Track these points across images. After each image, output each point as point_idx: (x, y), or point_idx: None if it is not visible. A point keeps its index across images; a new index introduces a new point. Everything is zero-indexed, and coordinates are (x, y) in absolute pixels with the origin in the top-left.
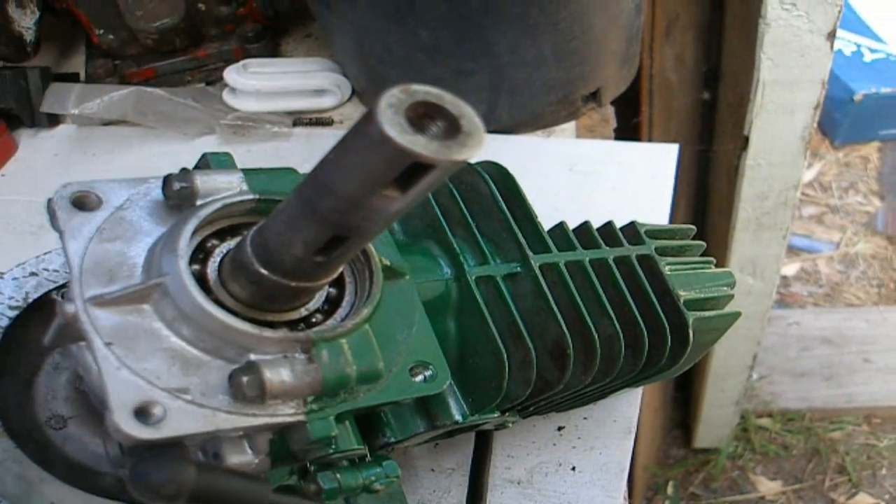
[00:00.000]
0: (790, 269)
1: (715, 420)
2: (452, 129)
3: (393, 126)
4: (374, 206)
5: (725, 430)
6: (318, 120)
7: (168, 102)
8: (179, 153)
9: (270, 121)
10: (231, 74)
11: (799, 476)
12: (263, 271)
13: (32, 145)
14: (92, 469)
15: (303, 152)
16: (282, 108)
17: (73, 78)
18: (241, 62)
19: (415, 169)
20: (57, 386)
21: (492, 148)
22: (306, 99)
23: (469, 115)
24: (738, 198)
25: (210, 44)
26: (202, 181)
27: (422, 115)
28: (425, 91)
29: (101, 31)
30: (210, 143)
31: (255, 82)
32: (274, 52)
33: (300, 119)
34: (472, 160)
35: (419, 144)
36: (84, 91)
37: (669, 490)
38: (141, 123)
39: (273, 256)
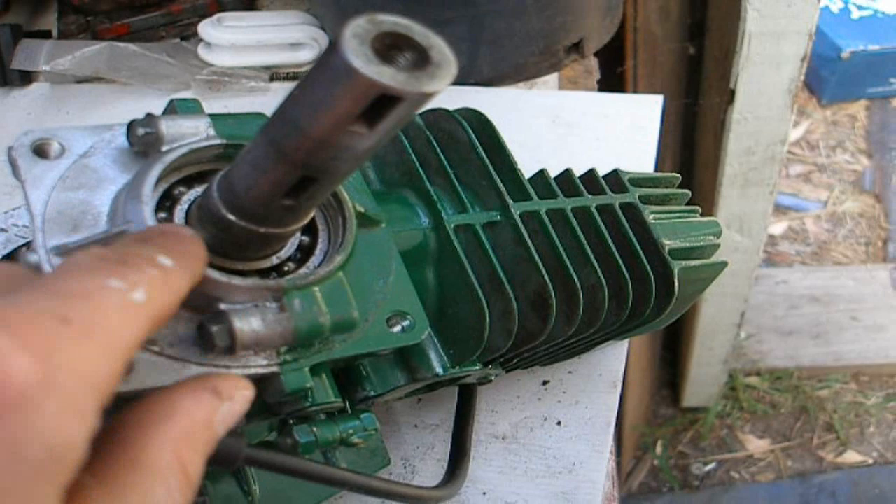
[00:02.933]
0: (778, 227)
1: (703, 379)
2: (421, 60)
3: (358, 56)
4: (342, 143)
5: (713, 388)
6: (295, 74)
7: (142, 58)
8: (155, 109)
9: (247, 76)
10: (205, 28)
11: (787, 434)
12: (231, 217)
13: (5, 104)
14: None
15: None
16: (258, 63)
17: (45, 35)
18: (216, 16)
19: (382, 102)
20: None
21: (473, 100)
22: (283, 53)
23: (439, 45)
24: (725, 153)
25: None
26: (167, 126)
27: (389, 46)
28: (393, 21)
29: None
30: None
31: (231, 36)
32: (250, 5)
33: (277, 73)
34: (444, 95)
35: (386, 75)
36: (55, 47)
37: (658, 449)
38: (115, 80)
39: (240, 201)
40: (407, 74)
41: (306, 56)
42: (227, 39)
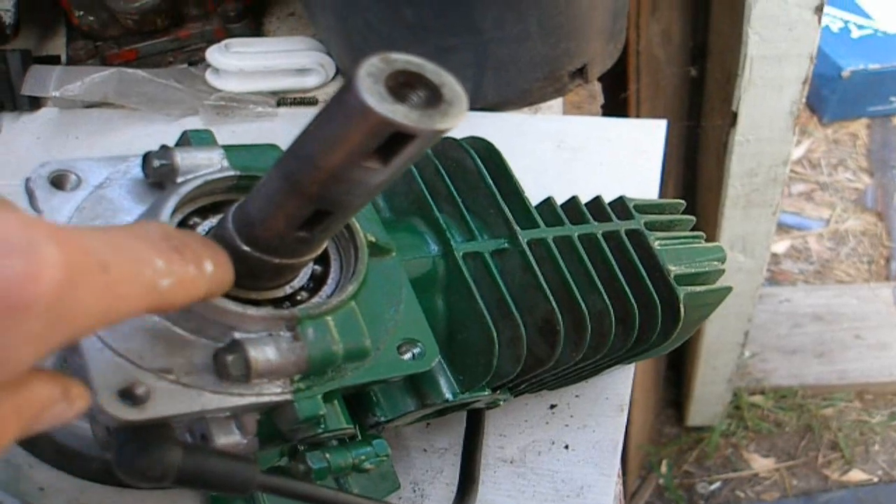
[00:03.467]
0: (780, 246)
1: (707, 398)
2: (434, 98)
3: (372, 95)
4: (356, 178)
5: (718, 407)
6: (302, 100)
7: (150, 83)
8: (163, 134)
9: (254, 101)
10: (213, 54)
11: (792, 453)
12: (246, 248)
13: (14, 129)
14: (80, 453)
15: (287, 132)
16: (265, 88)
17: (54, 60)
18: (224, 42)
19: (396, 139)
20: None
21: (478, 125)
22: (290, 78)
23: (450, 83)
24: (728, 174)
25: (191, 24)
26: (182, 158)
27: (402, 84)
28: (405, 59)
29: (81, 13)
30: (194, 124)
31: (238, 62)
32: (256, 31)
33: (284, 99)
34: (454, 129)
35: (399, 114)
36: (65, 73)
37: (663, 468)
38: (123, 105)
39: (255, 233)
40: (420, 112)
41: (313, 81)
42: (234, 65)
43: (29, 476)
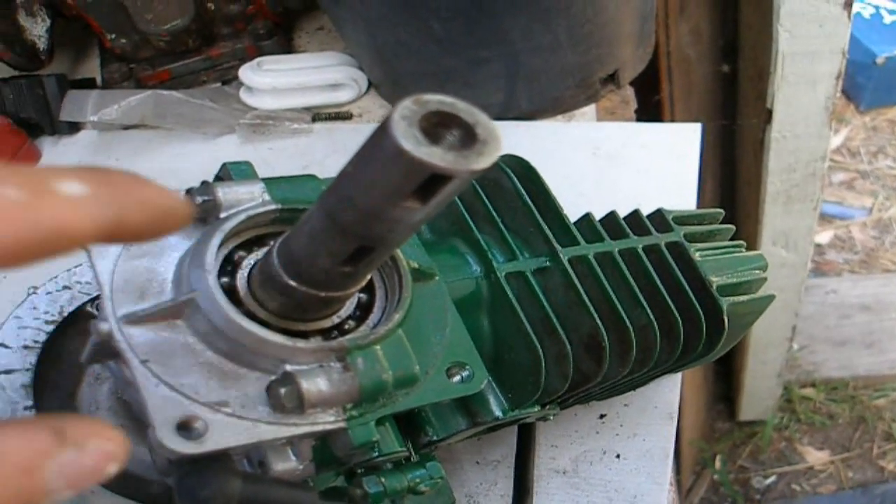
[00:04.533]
0: (823, 237)
1: (758, 392)
2: (468, 137)
3: (408, 139)
4: (396, 217)
5: (769, 401)
6: (336, 115)
7: (186, 104)
8: (201, 153)
9: (289, 118)
10: (246, 73)
11: (846, 445)
12: (292, 283)
13: (55, 153)
14: (140, 477)
15: (324, 147)
16: (300, 104)
17: (89, 83)
18: (256, 60)
19: (434, 180)
20: (99, 396)
21: (513, 135)
22: (323, 94)
23: (484, 122)
24: (766, 171)
25: (223, 43)
26: (224, 193)
27: (436, 125)
28: (438, 100)
29: (113, 36)
30: (231, 142)
31: (271, 80)
32: (287, 47)
33: (319, 114)
34: (489, 166)
35: (436, 156)
36: (101, 97)
37: (717, 464)
38: (160, 126)
39: (300, 268)
40: (455, 154)
41: (346, 96)
42: (267, 83)
43: (92, 502)
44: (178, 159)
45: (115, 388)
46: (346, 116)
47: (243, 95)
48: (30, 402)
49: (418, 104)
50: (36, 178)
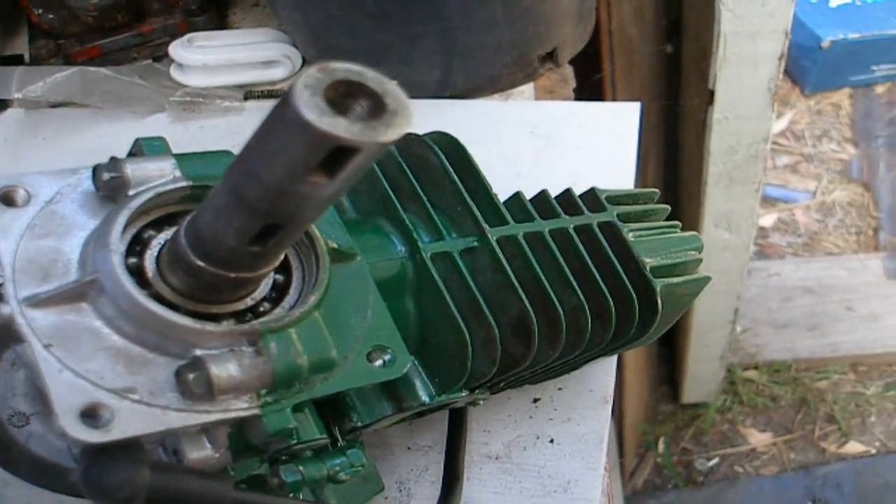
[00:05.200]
0: (767, 219)
1: (701, 375)
2: (377, 108)
3: (311, 109)
4: (303, 192)
5: (712, 384)
6: (269, 93)
7: (114, 81)
8: (131, 132)
9: (221, 95)
10: (177, 49)
11: (789, 427)
12: (200, 263)
13: None
14: (58, 466)
15: (256, 127)
16: (232, 82)
17: (17, 60)
18: (187, 36)
19: (340, 153)
20: (15, 382)
21: (449, 114)
22: (256, 71)
23: (394, 92)
24: (708, 153)
25: (154, 18)
26: (132, 170)
27: (343, 95)
28: (346, 69)
29: (40, 11)
30: (161, 121)
31: (202, 56)
32: (220, 24)
33: (251, 92)
34: (398, 139)
35: (341, 127)
36: (27, 74)
37: (660, 446)
38: (89, 104)
39: (208, 248)
40: (362, 125)
41: (279, 73)
42: (198, 60)
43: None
44: (106, 139)
45: (30, 374)
46: (279, 95)
47: (174, 73)
48: None
49: (324, 72)
50: None
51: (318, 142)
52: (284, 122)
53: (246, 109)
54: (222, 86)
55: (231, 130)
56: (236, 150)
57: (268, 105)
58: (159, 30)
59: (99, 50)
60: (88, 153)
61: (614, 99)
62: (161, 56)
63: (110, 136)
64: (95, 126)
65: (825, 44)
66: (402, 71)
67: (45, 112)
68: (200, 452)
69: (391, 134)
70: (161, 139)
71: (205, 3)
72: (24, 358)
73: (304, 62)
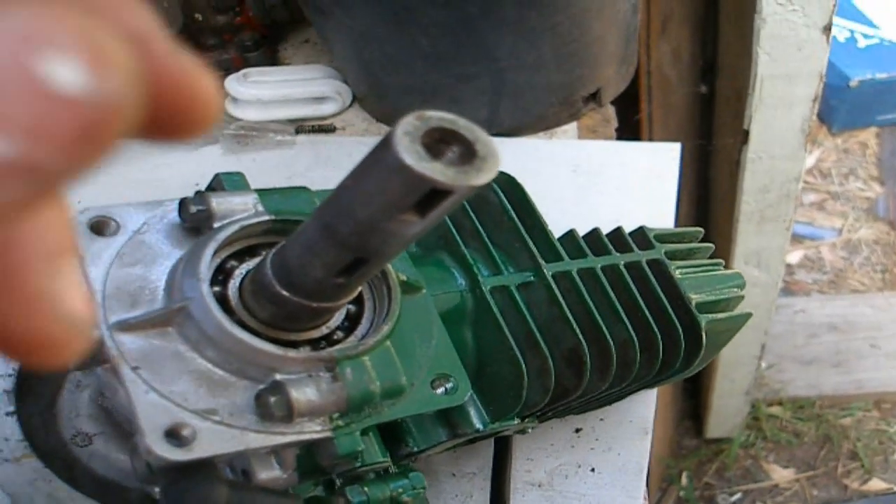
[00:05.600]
0: (794, 256)
1: (726, 410)
2: (468, 153)
3: (410, 154)
4: (393, 230)
5: (737, 419)
6: (320, 127)
7: None
8: (184, 163)
9: (273, 129)
10: (231, 84)
11: (812, 463)
12: (284, 293)
13: None
14: (119, 484)
15: (307, 160)
16: (284, 116)
17: None
18: (241, 71)
19: (433, 194)
20: (79, 403)
21: None
22: (308, 106)
23: (483, 139)
24: (741, 191)
25: (209, 53)
26: (218, 203)
27: (437, 141)
28: (439, 117)
29: None
30: (214, 153)
31: (256, 91)
32: (273, 59)
33: (303, 127)
34: (488, 182)
35: (437, 171)
36: None
37: (683, 481)
38: None
39: (293, 278)
40: (456, 169)
41: (330, 109)
42: (252, 95)
43: None
44: (160, 169)
45: (94, 395)
46: (330, 129)
47: (228, 106)
48: (11, 409)
49: (420, 120)
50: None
51: (415, 184)
52: (384, 164)
53: (297, 143)
54: (275, 120)
55: (283, 163)
56: (289, 183)
57: (318, 139)
58: (214, 64)
59: None
60: (144, 182)
61: (651, 138)
62: None
63: (164, 167)
64: (150, 157)
65: (853, 83)
66: (452, 109)
67: None
68: (270, 473)
69: (482, 178)
70: (240, 174)
71: (259, 39)
72: (105, 380)
73: (355, 98)
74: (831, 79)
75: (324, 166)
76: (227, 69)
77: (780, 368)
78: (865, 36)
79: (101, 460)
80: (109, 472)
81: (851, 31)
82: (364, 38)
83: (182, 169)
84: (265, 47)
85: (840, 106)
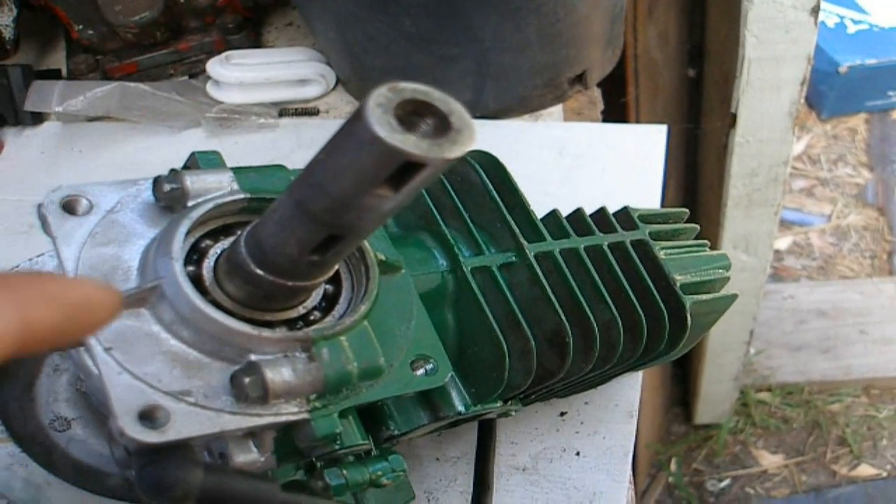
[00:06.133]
0: (782, 242)
1: (715, 396)
2: (442, 126)
3: (382, 125)
4: (367, 205)
5: (725, 405)
6: (303, 110)
7: (152, 97)
8: (166, 147)
9: (256, 112)
10: (214, 67)
11: (800, 449)
12: (259, 272)
13: (18, 144)
14: (98, 470)
15: (290, 143)
16: (267, 100)
17: (54, 74)
18: (224, 54)
19: (407, 167)
20: (58, 388)
21: (480, 134)
22: (291, 89)
23: (458, 111)
24: (728, 175)
25: (191, 36)
26: (192, 182)
27: (411, 113)
28: (413, 88)
29: (81, 27)
30: (196, 136)
31: (239, 74)
32: (255, 42)
33: (286, 110)
34: (462, 155)
35: (410, 143)
36: (67, 88)
37: (672, 467)
38: (126, 119)
39: (268, 257)
40: (429, 141)
41: (314, 92)
42: (235, 77)
43: (48, 495)
44: (142, 152)
45: (73, 380)
46: (313, 112)
47: (210, 89)
48: None
49: (393, 92)
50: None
51: (387, 157)
52: (356, 137)
53: (280, 126)
54: (257, 103)
55: (265, 146)
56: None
57: (301, 122)
58: (196, 47)
59: (136, 66)
60: (125, 166)
61: (638, 121)
62: (197, 73)
63: (146, 150)
64: (131, 140)
65: (843, 69)
66: None
67: (82, 125)
68: (247, 456)
69: (456, 151)
70: (216, 153)
71: (241, 21)
72: (79, 362)
73: (338, 81)
74: (820, 64)
75: (307, 149)
76: (209, 52)
77: (768, 354)
78: (855, 22)
79: (79, 445)
80: (88, 457)
81: (841, 17)
82: (347, 20)
83: (163, 152)
84: (248, 30)
85: (829, 92)
